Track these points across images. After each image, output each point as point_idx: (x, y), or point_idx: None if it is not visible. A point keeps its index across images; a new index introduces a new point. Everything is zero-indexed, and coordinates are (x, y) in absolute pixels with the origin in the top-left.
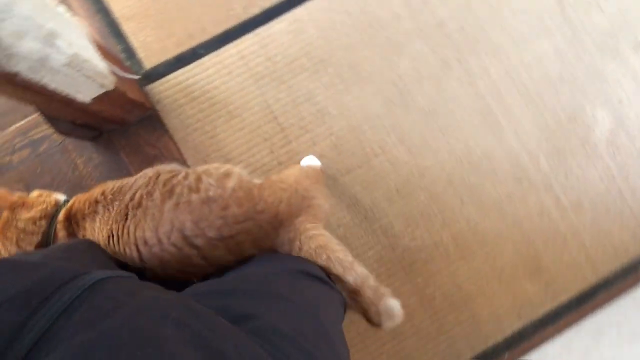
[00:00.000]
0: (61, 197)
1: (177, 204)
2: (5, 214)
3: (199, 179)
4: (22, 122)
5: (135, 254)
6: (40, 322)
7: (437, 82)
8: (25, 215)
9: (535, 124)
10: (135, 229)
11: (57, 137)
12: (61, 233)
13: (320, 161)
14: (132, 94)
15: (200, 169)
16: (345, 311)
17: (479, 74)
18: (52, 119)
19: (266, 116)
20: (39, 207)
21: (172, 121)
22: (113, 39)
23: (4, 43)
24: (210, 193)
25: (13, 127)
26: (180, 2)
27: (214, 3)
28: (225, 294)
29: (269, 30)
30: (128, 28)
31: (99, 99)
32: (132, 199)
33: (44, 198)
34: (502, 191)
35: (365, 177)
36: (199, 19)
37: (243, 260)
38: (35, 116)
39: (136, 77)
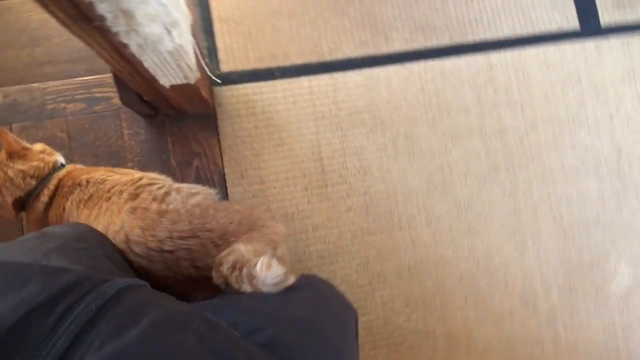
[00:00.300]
0: (61, 159)
1: (135, 208)
2: (2, 155)
3: (168, 193)
4: (91, 77)
5: None
6: (67, 330)
7: (480, 182)
8: (19, 166)
9: (558, 255)
10: (93, 220)
11: (116, 103)
12: (44, 198)
13: (347, 215)
14: (204, 90)
15: (177, 185)
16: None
17: (523, 189)
18: (123, 87)
19: (313, 154)
20: (35, 164)
21: (226, 127)
22: (202, 34)
23: (135, 22)
24: (170, 207)
25: (80, 79)
26: (275, 23)
27: (305, 36)
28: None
29: (345, 77)
30: (219, 29)
31: (176, 87)
32: (107, 191)
33: (44, 156)
34: (506, 306)
35: (384, 244)
36: (286, 44)
37: (181, 282)
38: (104, 76)
39: (213, 77)
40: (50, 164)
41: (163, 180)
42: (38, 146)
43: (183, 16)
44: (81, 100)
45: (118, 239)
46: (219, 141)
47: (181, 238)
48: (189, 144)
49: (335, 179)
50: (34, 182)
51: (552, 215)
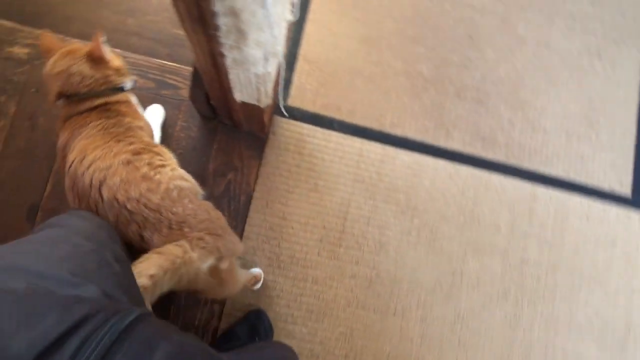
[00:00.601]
0: (128, 84)
1: (129, 162)
2: (83, 51)
3: (162, 166)
4: (169, 62)
5: (87, 179)
6: None
7: (486, 301)
8: (85, 68)
9: None
10: (92, 148)
11: (182, 94)
12: (81, 108)
13: (349, 281)
14: (266, 115)
15: (176, 166)
16: None
17: (524, 326)
18: (196, 84)
19: (339, 211)
20: (98, 76)
21: (271, 155)
22: (284, 66)
23: (244, 42)
24: (156, 177)
25: (159, 60)
26: (353, 80)
27: (375, 102)
28: None
29: (396, 153)
30: (301, 66)
31: (245, 104)
32: (123, 137)
33: (113, 75)
34: None
35: (373, 323)
36: (355, 103)
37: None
38: (181, 66)
39: (283, 109)
40: (111, 84)
41: (170, 159)
42: (117, 62)
43: (281, 50)
44: (153, 79)
45: (95, 175)
46: (259, 165)
47: (145, 206)
48: (231, 156)
49: (351, 242)
50: (85, 89)
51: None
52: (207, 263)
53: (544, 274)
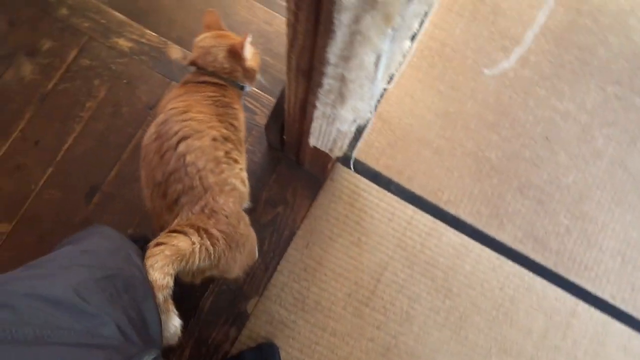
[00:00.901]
0: (248, 88)
1: (215, 139)
2: (229, 40)
3: (236, 161)
4: (259, 91)
5: (176, 127)
6: None
7: None
8: (222, 53)
9: None
10: (194, 118)
11: (258, 120)
12: (201, 78)
13: (367, 344)
14: (331, 162)
15: (244, 175)
16: None
17: None
18: (275, 116)
19: (375, 272)
20: (226, 67)
21: (323, 199)
22: None
23: (340, 105)
24: (224, 166)
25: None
26: (420, 149)
27: (436, 175)
28: None
29: (445, 230)
30: (374, 123)
31: (317, 149)
32: (221, 121)
33: (238, 70)
34: None
35: None
36: (416, 171)
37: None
38: (263, 94)
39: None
40: (234, 79)
41: (243, 162)
42: (251, 64)
43: (372, 115)
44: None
45: (185, 130)
46: (310, 206)
47: (200, 179)
48: (286, 190)
49: (379, 306)
50: (211, 69)
51: None
52: (203, 263)
53: None
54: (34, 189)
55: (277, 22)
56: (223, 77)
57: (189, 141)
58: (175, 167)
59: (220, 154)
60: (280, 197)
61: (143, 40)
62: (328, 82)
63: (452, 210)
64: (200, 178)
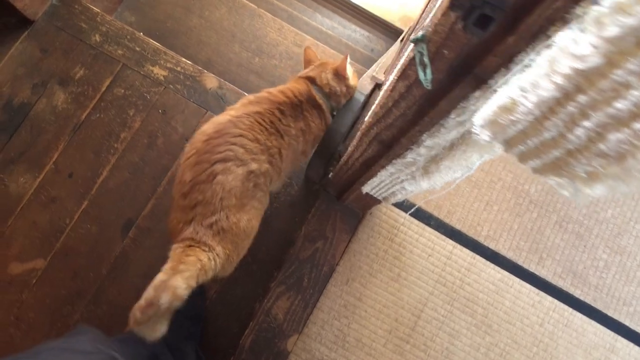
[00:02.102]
0: (326, 103)
1: (261, 152)
2: (332, 66)
3: (263, 191)
4: None
5: (241, 125)
6: None
7: None
8: (329, 75)
9: None
10: (259, 129)
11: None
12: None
13: None
14: (378, 203)
15: (266, 168)
16: None
17: None
18: (323, 154)
19: (415, 308)
20: (331, 86)
21: (362, 233)
22: None
23: (431, 170)
24: (252, 193)
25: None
26: (460, 185)
27: (476, 210)
28: None
29: (484, 266)
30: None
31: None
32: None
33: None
34: None
35: None
36: (456, 205)
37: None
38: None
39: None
40: (340, 99)
41: (266, 190)
42: (352, 82)
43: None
44: None
45: (245, 133)
46: (349, 240)
47: (223, 189)
48: (325, 225)
49: (419, 343)
50: (325, 90)
51: None
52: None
53: None
54: (69, 223)
55: (307, 43)
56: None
57: (227, 165)
58: (204, 179)
59: (250, 185)
60: (319, 233)
61: (178, 68)
62: (414, 157)
63: (491, 245)
64: (222, 199)
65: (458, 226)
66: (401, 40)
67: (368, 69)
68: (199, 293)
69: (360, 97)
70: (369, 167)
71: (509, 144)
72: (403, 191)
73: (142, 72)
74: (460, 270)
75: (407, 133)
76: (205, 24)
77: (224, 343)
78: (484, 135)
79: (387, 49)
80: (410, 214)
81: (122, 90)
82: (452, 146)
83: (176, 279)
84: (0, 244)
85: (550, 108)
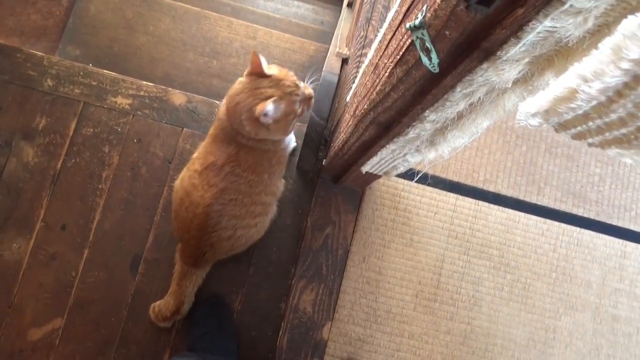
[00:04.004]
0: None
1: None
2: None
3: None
4: None
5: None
6: None
7: (579, 358)
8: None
9: None
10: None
11: None
12: None
13: (444, 337)
14: (378, 178)
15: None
16: None
17: None
18: (310, 145)
19: (434, 267)
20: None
21: (367, 209)
22: None
23: (437, 142)
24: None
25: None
26: None
27: (468, 158)
28: None
29: (489, 209)
30: None
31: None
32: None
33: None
34: None
35: None
36: (448, 160)
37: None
38: None
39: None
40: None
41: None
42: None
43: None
44: None
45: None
46: (356, 219)
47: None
48: (329, 210)
49: (446, 298)
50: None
51: None
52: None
53: (635, 330)
54: (75, 276)
55: (260, 34)
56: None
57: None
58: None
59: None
60: (325, 219)
61: (141, 93)
62: (417, 133)
63: (491, 187)
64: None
65: (455, 178)
66: (349, 5)
67: (325, 44)
68: (223, 309)
69: (332, 78)
70: (367, 149)
71: (564, 126)
72: (405, 163)
73: (105, 106)
74: (468, 219)
75: (408, 113)
76: (153, 40)
77: (262, 350)
78: (533, 122)
79: (337, 17)
80: (408, 177)
81: (91, 130)
82: (461, 116)
83: None
84: (13, 315)
85: (618, 92)
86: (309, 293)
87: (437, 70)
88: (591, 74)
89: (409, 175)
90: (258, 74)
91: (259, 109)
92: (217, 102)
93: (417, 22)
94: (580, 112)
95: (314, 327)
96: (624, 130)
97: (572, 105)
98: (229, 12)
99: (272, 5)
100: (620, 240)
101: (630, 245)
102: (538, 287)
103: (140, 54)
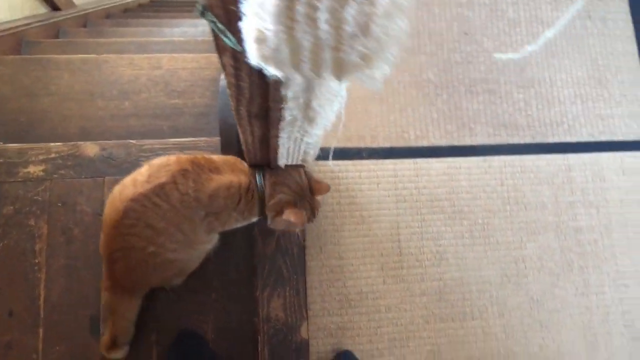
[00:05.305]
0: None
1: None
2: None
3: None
4: (186, 139)
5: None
6: None
7: (553, 278)
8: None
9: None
10: None
11: None
12: None
13: (420, 299)
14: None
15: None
16: None
17: (595, 290)
18: (229, 149)
19: (391, 236)
20: None
21: None
22: None
23: (311, 125)
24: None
25: (175, 139)
26: (366, 107)
27: (394, 121)
28: None
29: (428, 164)
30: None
31: (289, 165)
32: None
33: None
34: None
35: (455, 333)
36: (375, 128)
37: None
38: (197, 140)
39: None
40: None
41: None
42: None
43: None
44: None
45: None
46: None
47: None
48: None
49: (412, 262)
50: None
51: (623, 319)
52: None
53: (599, 236)
54: (37, 358)
55: (165, 62)
56: None
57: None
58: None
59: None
60: None
61: (52, 155)
62: (290, 114)
63: (424, 143)
64: None
65: (388, 144)
66: None
67: None
68: (196, 342)
69: (224, 82)
70: (267, 143)
71: (293, 65)
72: (310, 146)
73: (19, 179)
74: (411, 180)
75: (267, 95)
76: (58, 99)
77: None
78: (271, 70)
79: None
80: (341, 158)
81: (11, 207)
82: (309, 86)
83: None
84: None
85: (288, 17)
86: (276, 299)
87: (240, 47)
88: (257, 8)
89: (341, 154)
90: None
91: None
92: (132, 141)
93: (199, 7)
94: (285, 47)
95: (291, 331)
96: (328, 54)
97: (271, 45)
98: (133, 50)
99: (178, 31)
100: (562, 155)
101: (572, 157)
102: (496, 223)
103: (49, 117)
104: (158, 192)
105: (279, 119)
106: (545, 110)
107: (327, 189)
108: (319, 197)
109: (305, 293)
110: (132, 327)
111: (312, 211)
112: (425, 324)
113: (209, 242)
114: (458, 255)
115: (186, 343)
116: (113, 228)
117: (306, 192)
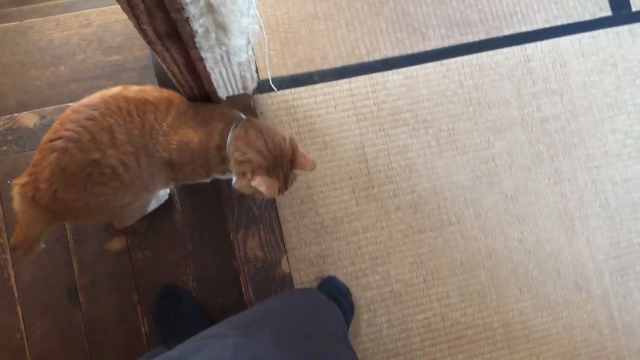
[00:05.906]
0: None
1: None
2: None
3: None
4: None
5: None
6: None
7: (525, 172)
8: None
9: (608, 238)
10: None
11: None
12: None
13: (396, 215)
14: (250, 98)
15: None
16: None
17: (567, 176)
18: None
19: (358, 156)
20: None
21: None
22: None
23: (227, 35)
24: None
25: None
26: (311, 27)
27: (342, 38)
28: None
29: (384, 77)
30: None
31: (231, 97)
32: None
33: None
34: (560, 293)
35: (434, 241)
36: (324, 48)
37: None
38: None
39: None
40: None
41: None
42: None
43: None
44: None
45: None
46: None
47: None
48: None
49: (382, 179)
50: None
51: (598, 200)
52: None
53: (565, 123)
54: (22, 337)
55: (94, 17)
56: None
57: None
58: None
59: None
60: None
61: None
62: (199, 23)
63: (376, 56)
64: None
65: (339, 63)
66: None
67: None
68: (179, 295)
69: None
70: (193, 70)
71: None
72: (243, 66)
73: None
74: (369, 96)
75: (164, 6)
76: None
77: (235, 312)
78: None
79: None
80: (293, 85)
81: None
82: None
83: None
84: None
85: None
86: (252, 239)
87: None
88: None
89: (292, 81)
90: None
91: None
92: (71, 104)
93: None
94: None
95: (272, 267)
96: None
97: None
98: (60, 12)
99: None
100: (519, 47)
101: (530, 47)
102: (461, 127)
103: None
104: (140, 105)
105: (191, 33)
106: (496, 2)
107: (313, 166)
108: (297, 171)
109: (280, 228)
110: (37, 245)
111: (285, 184)
112: (404, 237)
113: (153, 191)
114: (427, 165)
115: (169, 297)
116: (74, 111)
117: (285, 161)
